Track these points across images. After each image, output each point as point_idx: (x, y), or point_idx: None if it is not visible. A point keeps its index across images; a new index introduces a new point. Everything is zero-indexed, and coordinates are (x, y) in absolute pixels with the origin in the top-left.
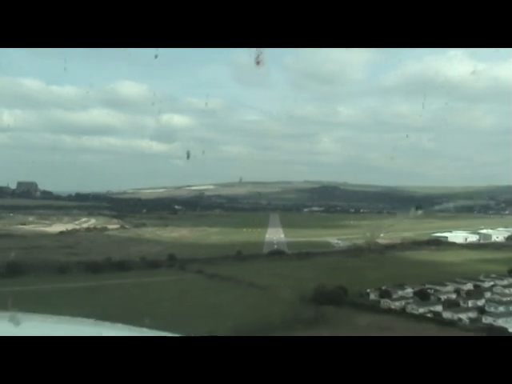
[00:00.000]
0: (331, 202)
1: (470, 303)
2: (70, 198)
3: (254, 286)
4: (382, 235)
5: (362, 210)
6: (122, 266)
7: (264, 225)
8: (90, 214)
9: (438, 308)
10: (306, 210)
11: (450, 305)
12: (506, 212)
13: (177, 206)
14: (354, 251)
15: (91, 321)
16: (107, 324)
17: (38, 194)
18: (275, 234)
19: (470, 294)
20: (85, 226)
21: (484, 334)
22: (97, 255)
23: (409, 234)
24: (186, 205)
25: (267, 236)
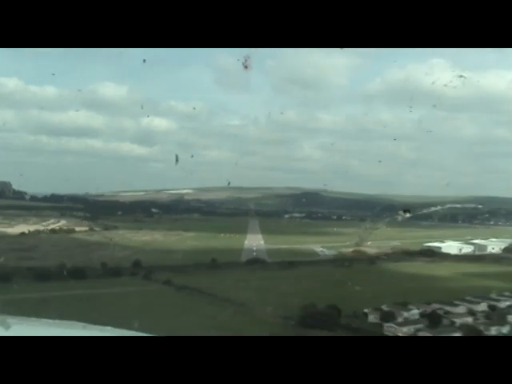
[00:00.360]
0: (312, 208)
1: (494, 330)
2: (45, 199)
3: (230, 301)
4: (369, 243)
5: (344, 217)
6: (76, 274)
7: (243, 230)
8: (62, 216)
9: (456, 336)
10: (286, 216)
11: (469, 331)
12: (491, 222)
13: (154, 210)
14: (342, 261)
15: (81, 324)
16: (97, 327)
17: (11, 194)
18: (255, 241)
19: (488, 317)
20: (51, 227)
21: None
22: (52, 260)
23: (397, 244)
24: (164, 208)
25: (246, 242)
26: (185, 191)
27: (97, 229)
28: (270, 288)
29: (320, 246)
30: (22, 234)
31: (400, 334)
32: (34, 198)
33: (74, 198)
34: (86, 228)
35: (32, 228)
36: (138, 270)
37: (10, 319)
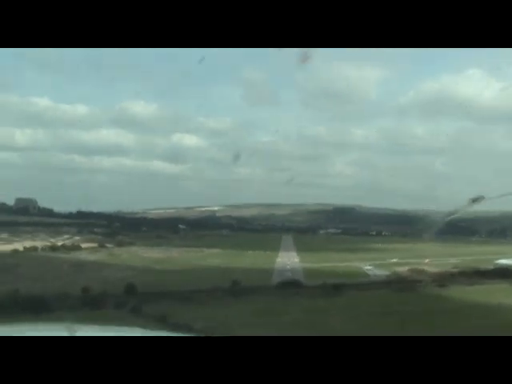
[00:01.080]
0: (348, 224)
1: None
2: (70, 215)
3: None
4: (426, 261)
5: (384, 233)
6: (44, 304)
7: (275, 247)
8: (78, 232)
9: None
10: (321, 231)
11: None
12: None
13: (181, 226)
14: (401, 284)
15: (65, 324)
16: (83, 327)
17: (36, 210)
18: (288, 258)
19: None
20: (53, 244)
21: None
22: (26, 284)
23: (456, 261)
24: (192, 224)
25: (278, 260)
26: (216, 208)
27: (109, 245)
28: (311, 325)
29: (367, 265)
30: (14, 251)
31: None
32: (59, 215)
33: (100, 215)
34: (95, 245)
35: (30, 244)
36: (128, 298)
37: None
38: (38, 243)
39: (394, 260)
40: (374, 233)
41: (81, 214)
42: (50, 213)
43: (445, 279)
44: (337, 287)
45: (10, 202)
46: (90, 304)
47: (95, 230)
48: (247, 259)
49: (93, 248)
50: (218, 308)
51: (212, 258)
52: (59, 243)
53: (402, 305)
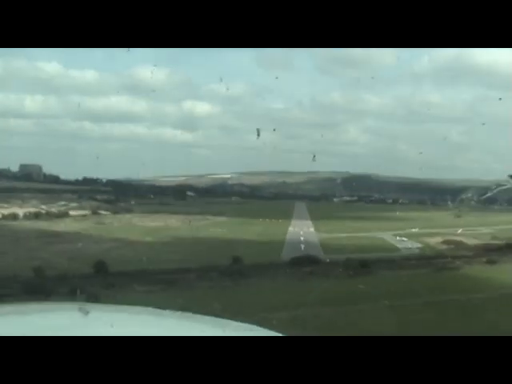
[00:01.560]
0: (363, 192)
1: None
2: (76, 182)
3: None
4: (459, 231)
5: (401, 201)
6: None
7: (287, 215)
8: (78, 198)
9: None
10: (336, 199)
11: None
12: None
13: (189, 193)
14: (441, 259)
15: (77, 304)
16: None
17: (41, 177)
18: (302, 228)
19: None
20: (37, 211)
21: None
22: None
23: (490, 231)
24: (202, 192)
25: (291, 229)
26: (228, 176)
27: (104, 212)
28: (338, 323)
29: (392, 235)
30: None
31: None
32: (64, 182)
33: (106, 183)
34: (87, 212)
35: (10, 212)
36: (91, 280)
37: None
38: (24, 210)
39: (416, 229)
40: (390, 201)
41: (87, 181)
42: (55, 179)
43: (491, 253)
44: (364, 264)
45: (17, 168)
46: (38, 289)
47: (97, 196)
48: (255, 228)
49: (83, 216)
50: (208, 296)
51: (216, 226)
52: (49, 210)
53: (453, 291)
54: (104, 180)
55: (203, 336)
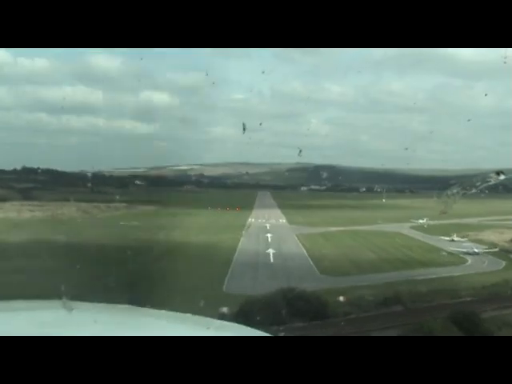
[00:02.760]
0: (329, 182)
1: None
2: (13, 172)
3: None
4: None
5: (376, 189)
6: None
7: (248, 204)
8: None
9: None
10: (304, 188)
11: None
12: None
13: (138, 182)
14: None
15: (61, 301)
16: (80, 304)
17: None
18: (268, 219)
19: None
20: None
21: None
22: None
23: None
24: (153, 182)
25: (251, 222)
26: (188, 167)
27: None
28: None
29: (410, 227)
30: None
31: None
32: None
33: (45, 172)
34: None
35: None
36: None
37: None
38: None
39: (428, 220)
40: (363, 189)
41: (25, 171)
42: None
43: None
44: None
45: None
46: None
47: (17, 185)
48: (195, 220)
49: None
50: None
51: (134, 219)
52: None
53: None
54: (43, 170)
55: (185, 336)
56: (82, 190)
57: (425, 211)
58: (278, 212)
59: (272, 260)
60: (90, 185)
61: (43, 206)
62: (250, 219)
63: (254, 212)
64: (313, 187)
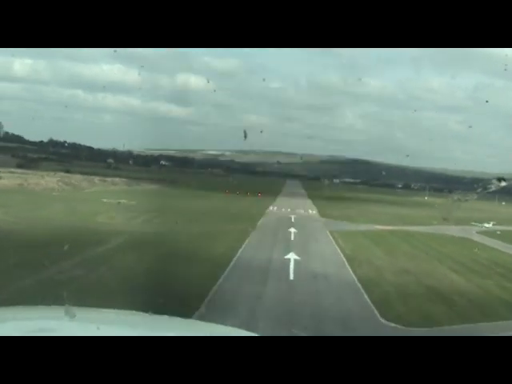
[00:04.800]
0: (362, 176)
1: None
2: (38, 144)
3: None
4: None
5: (413, 187)
6: None
7: (273, 192)
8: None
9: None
10: (336, 180)
11: None
12: None
13: (163, 162)
14: None
15: (64, 307)
16: (83, 310)
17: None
18: (294, 209)
19: None
20: None
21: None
22: None
23: None
24: (179, 163)
25: (270, 210)
26: (220, 153)
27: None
28: None
29: (477, 232)
30: None
31: None
32: (25, 142)
33: (72, 147)
34: None
35: None
36: None
37: None
38: None
39: (490, 224)
40: (400, 185)
41: (51, 143)
42: (17, 139)
43: None
44: None
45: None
46: None
47: (30, 155)
48: (197, 204)
49: None
50: None
51: (118, 196)
52: None
53: None
54: (70, 143)
55: (188, 336)
56: (98, 165)
57: (480, 213)
58: (307, 202)
59: (292, 276)
60: (111, 161)
61: (25, 175)
62: (271, 207)
63: (279, 199)
64: (346, 180)
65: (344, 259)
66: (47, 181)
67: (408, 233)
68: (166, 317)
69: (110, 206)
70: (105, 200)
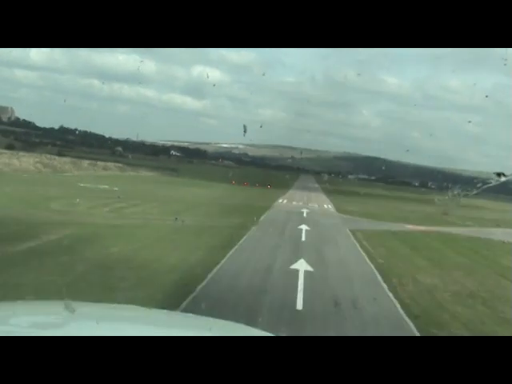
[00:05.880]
0: (378, 173)
1: None
2: (50, 130)
3: None
4: None
5: (430, 185)
6: None
7: (284, 185)
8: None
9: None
10: (351, 176)
11: None
12: None
13: (173, 152)
14: None
15: (63, 302)
16: (83, 305)
17: (11, 119)
18: (307, 203)
19: None
20: None
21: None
22: None
23: None
24: (190, 154)
25: (279, 203)
26: (234, 146)
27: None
28: None
29: None
30: None
31: None
32: (34, 128)
33: (83, 134)
34: None
35: None
36: None
37: None
38: None
39: None
40: (416, 184)
41: (61, 130)
42: (26, 124)
43: None
44: None
45: None
46: None
47: (34, 139)
48: (199, 193)
49: None
50: None
51: (102, 182)
52: None
53: None
54: (80, 131)
55: (191, 336)
56: (103, 152)
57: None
58: (321, 196)
59: (300, 305)
60: (119, 149)
61: (3, 154)
62: (280, 200)
63: (290, 192)
64: (361, 176)
65: (376, 272)
66: (23, 161)
67: (447, 235)
68: (165, 311)
69: (82, 191)
70: (81, 184)
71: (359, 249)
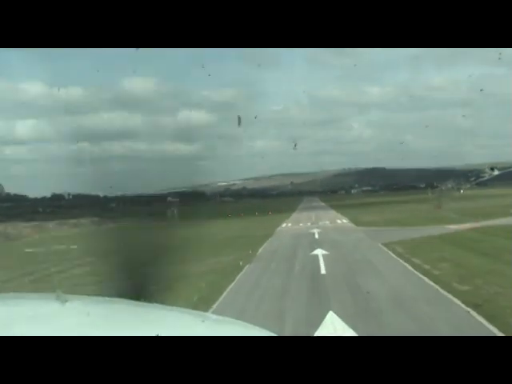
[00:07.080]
0: (380, 182)
1: None
2: (41, 199)
3: None
4: None
5: (436, 185)
6: None
7: (287, 210)
8: None
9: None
10: (354, 190)
11: None
12: None
13: (170, 199)
14: None
15: (55, 294)
16: (74, 297)
17: (0, 196)
18: (315, 222)
19: None
20: None
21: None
22: None
23: None
24: (188, 198)
25: (283, 227)
26: (231, 183)
27: None
28: None
29: None
30: None
31: None
32: (28, 200)
33: (75, 197)
34: None
35: None
36: None
37: None
38: None
39: None
40: (422, 185)
41: (53, 197)
42: (18, 198)
43: None
44: None
45: None
46: None
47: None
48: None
49: None
50: None
51: (56, 241)
52: None
53: None
54: (70, 196)
55: (181, 336)
56: (94, 211)
57: None
58: (330, 212)
59: None
60: (113, 205)
61: None
62: (283, 224)
63: (295, 215)
64: (364, 188)
65: (476, 315)
66: None
67: (504, 228)
68: (156, 305)
69: (20, 258)
70: (28, 250)
71: (412, 270)
